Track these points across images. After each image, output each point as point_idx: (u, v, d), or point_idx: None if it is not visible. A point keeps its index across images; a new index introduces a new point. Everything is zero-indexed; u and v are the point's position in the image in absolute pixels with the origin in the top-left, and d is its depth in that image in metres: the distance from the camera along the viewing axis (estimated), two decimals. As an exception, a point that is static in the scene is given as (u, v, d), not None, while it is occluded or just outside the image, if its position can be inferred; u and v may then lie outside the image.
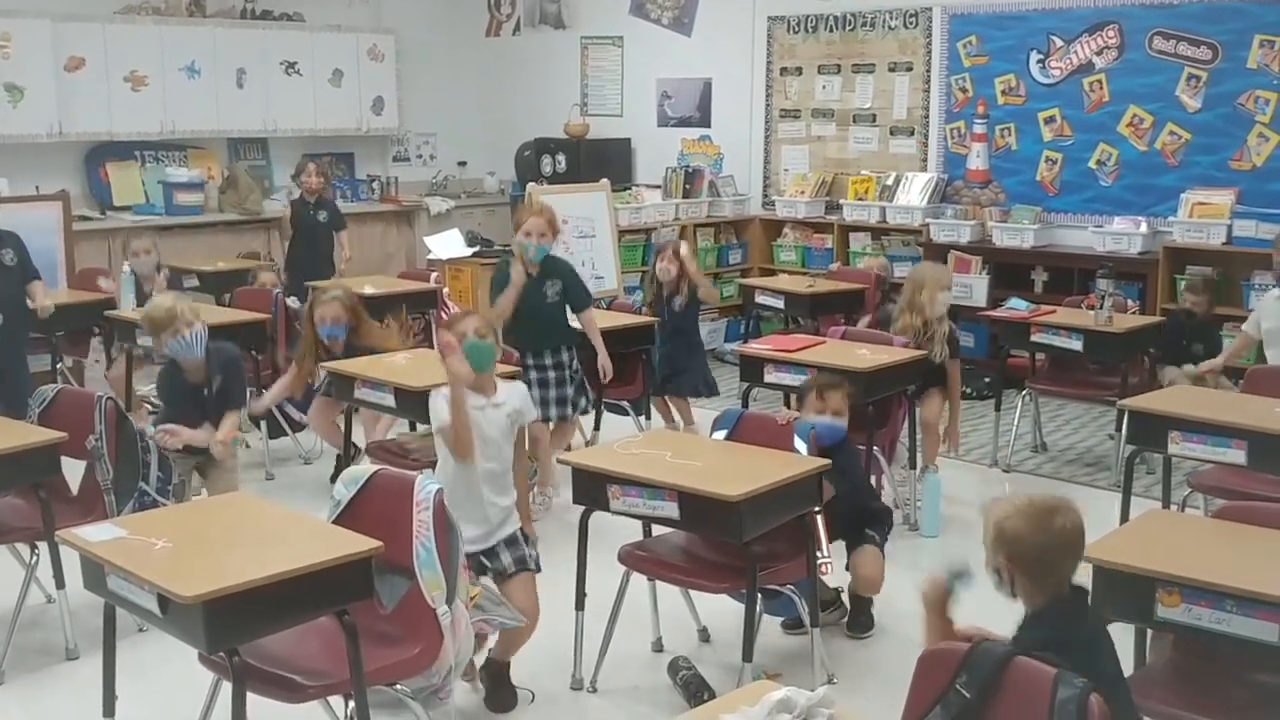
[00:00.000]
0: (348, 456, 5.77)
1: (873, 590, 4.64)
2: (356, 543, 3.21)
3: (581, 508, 4.11)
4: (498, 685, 4.05)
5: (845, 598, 4.72)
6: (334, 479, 6.18)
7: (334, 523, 3.51)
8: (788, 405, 5.74)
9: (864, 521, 4.62)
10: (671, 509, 3.83)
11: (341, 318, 6.02)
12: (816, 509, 4.11)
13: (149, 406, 7.35)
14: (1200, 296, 7.01)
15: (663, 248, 7.10)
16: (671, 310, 6.86)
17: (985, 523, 2.80)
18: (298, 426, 6.82)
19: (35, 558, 4.53)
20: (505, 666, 4.05)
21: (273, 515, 3.62)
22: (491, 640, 3.97)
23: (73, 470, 4.67)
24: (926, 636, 2.88)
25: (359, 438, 5.97)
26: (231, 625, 2.98)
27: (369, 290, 7.57)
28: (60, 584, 4.34)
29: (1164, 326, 7.02)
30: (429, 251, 9.31)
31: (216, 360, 5.10)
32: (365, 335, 6.09)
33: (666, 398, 6.86)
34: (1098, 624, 2.83)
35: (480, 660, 4.03)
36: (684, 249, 6.96)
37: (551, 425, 5.97)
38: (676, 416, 6.90)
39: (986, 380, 7.87)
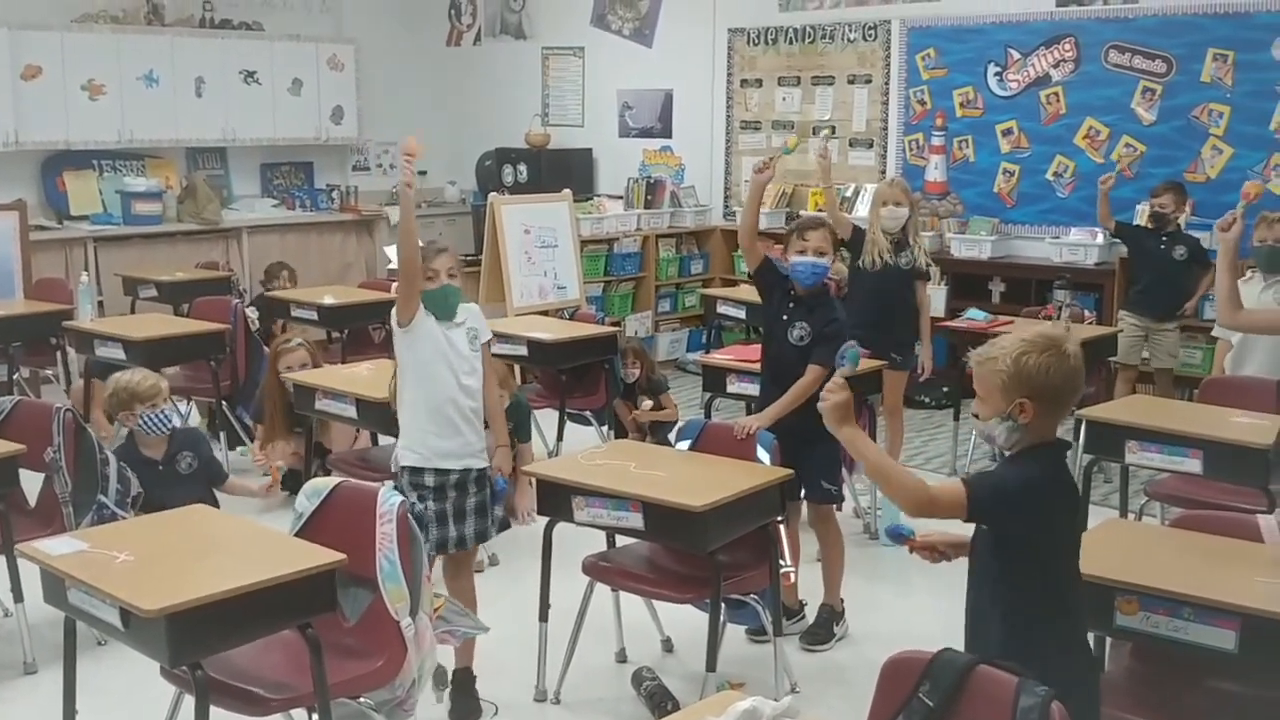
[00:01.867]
0: (309, 469, 5.73)
1: (839, 555, 4.69)
2: (319, 555, 3.20)
3: (545, 519, 4.11)
4: (463, 695, 4.04)
5: (809, 608, 4.74)
6: (287, 487, 6.22)
7: (296, 535, 3.49)
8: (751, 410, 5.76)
9: (820, 425, 4.53)
10: (636, 519, 3.83)
11: (308, 363, 6.02)
12: (779, 519, 4.13)
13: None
14: (1165, 196, 6.99)
15: (624, 351, 6.97)
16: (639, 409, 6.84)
17: (989, 371, 2.72)
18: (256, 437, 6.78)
19: (-8, 571, 4.48)
20: (471, 675, 4.05)
21: (235, 528, 3.60)
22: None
23: (30, 482, 4.62)
24: (859, 455, 2.83)
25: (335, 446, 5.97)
26: (194, 639, 2.96)
27: (329, 300, 7.56)
28: (18, 598, 4.30)
29: (1134, 230, 7.20)
30: (389, 261, 9.28)
31: (182, 441, 5.08)
32: None
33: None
34: (1074, 483, 2.87)
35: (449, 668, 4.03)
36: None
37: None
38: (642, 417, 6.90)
39: (945, 390, 7.93)
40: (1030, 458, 2.74)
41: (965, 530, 2.87)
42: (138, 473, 4.88)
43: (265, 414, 6.12)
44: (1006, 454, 2.80)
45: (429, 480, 4.01)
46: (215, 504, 5.16)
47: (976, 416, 2.82)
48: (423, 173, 11.19)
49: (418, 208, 10.62)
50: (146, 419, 4.94)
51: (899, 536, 3.00)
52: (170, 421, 5.02)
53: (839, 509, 4.82)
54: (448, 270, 4.02)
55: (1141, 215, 7.54)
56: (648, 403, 6.75)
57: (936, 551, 2.96)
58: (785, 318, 4.64)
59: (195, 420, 7.03)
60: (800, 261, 4.58)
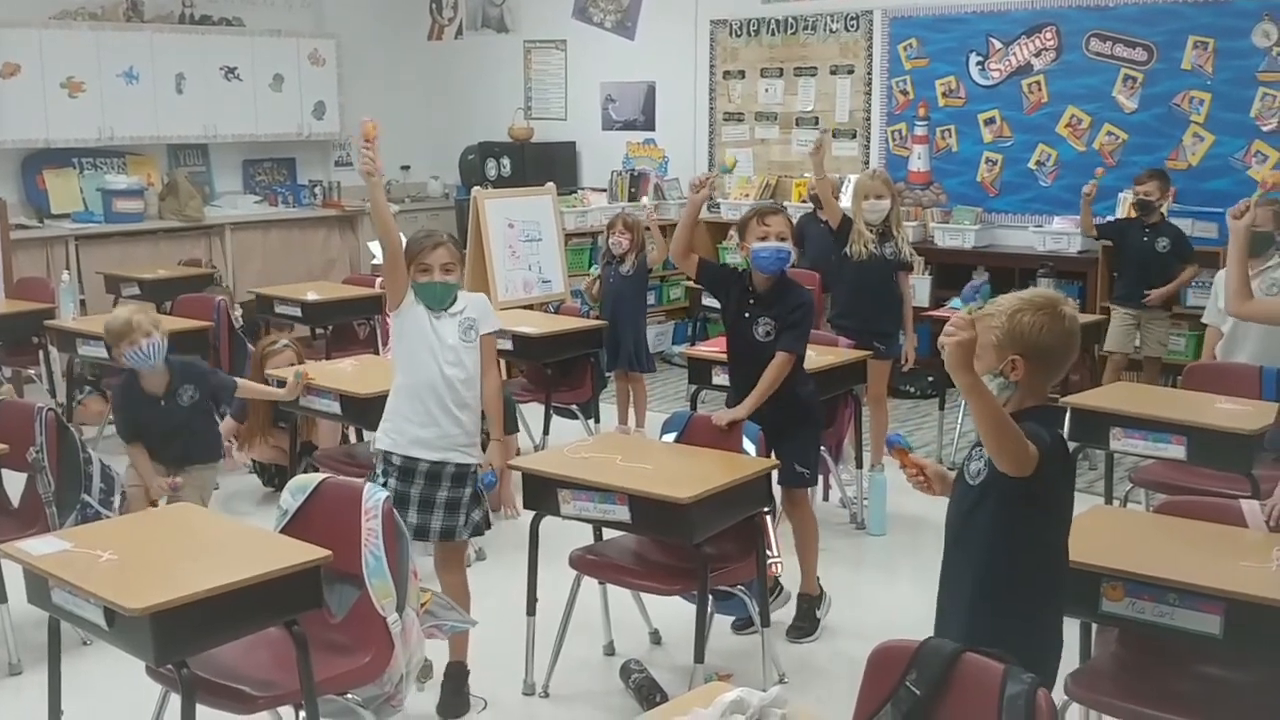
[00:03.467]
0: (294, 464, 5.72)
1: (813, 541, 4.67)
2: (305, 552, 3.19)
3: (532, 513, 4.10)
4: (453, 689, 4.04)
5: (791, 589, 4.73)
6: (272, 484, 6.21)
7: (281, 532, 3.48)
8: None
9: (797, 413, 4.54)
10: (623, 512, 3.83)
11: (294, 364, 6.00)
12: (766, 509, 4.13)
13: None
14: (1149, 184, 6.94)
15: (613, 221, 7.12)
16: (619, 274, 6.88)
17: (983, 329, 2.67)
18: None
19: (-24, 572, 4.46)
20: (464, 670, 4.05)
21: (219, 526, 3.60)
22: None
23: (13, 482, 4.60)
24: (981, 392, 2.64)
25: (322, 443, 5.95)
26: (180, 637, 2.95)
27: (312, 296, 7.54)
28: (2, 598, 4.28)
29: (1117, 224, 7.20)
30: (373, 257, 9.25)
31: (183, 373, 5.03)
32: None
33: (626, 377, 6.96)
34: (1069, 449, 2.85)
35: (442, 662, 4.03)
36: (642, 213, 6.96)
37: None
38: (631, 420, 6.92)
39: (930, 379, 7.94)
40: (1033, 418, 2.71)
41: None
42: (140, 409, 4.89)
43: (248, 413, 6.09)
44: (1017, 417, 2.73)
45: (396, 461, 4.02)
46: (218, 438, 5.26)
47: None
48: (406, 167, 11.19)
49: (400, 202, 10.66)
50: (130, 355, 4.86)
51: (894, 444, 3.01)
52: (150, 356, 4.86)
53: (824, 500, 4.82)
54: (442, 265, 3.98)
55: (1125, 204, 7.57)
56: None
57: (924, 476, 2.99)
58: (747, 315, 4.52)
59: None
60: (763, 247, 4.43)
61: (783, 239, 4.46)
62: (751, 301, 4.53)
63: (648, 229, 7.15)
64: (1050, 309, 2.73)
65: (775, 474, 4.32)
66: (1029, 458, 2.62)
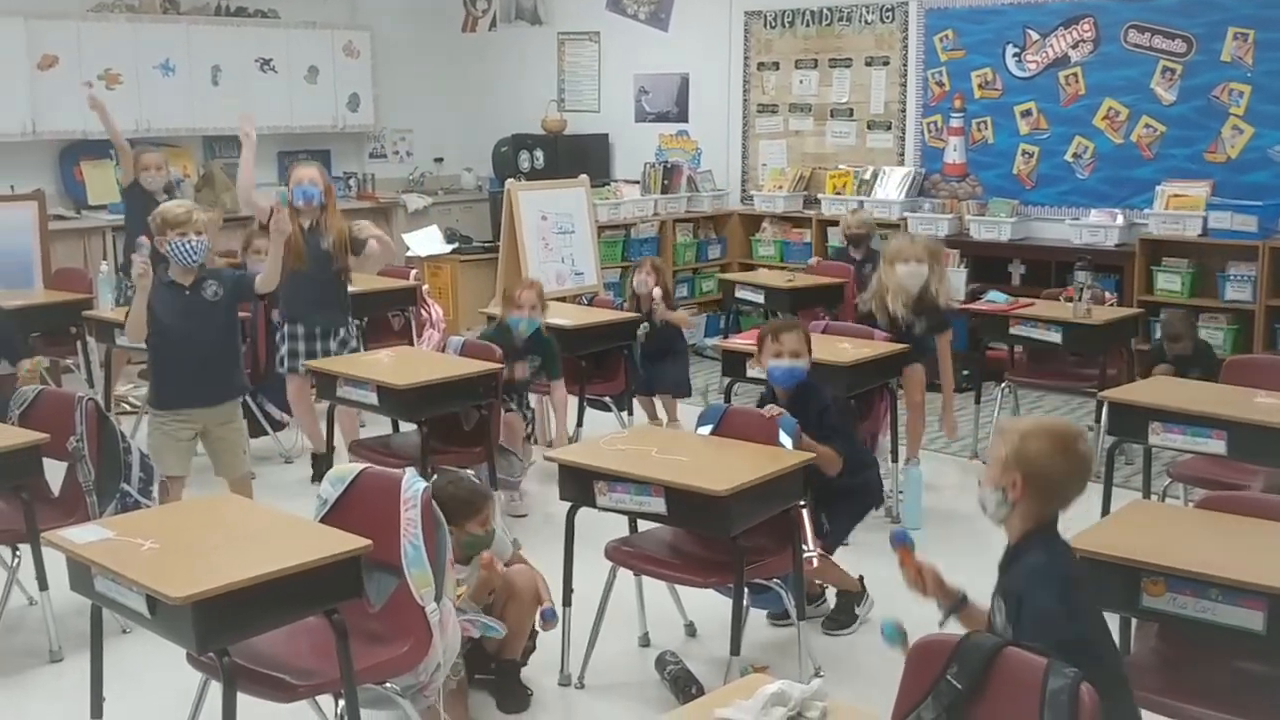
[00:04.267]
0: (330, 454, 5.75)
1: (828, 581, 4.65)
2: (345, 542, 3.21)
3: (568, 504, 4.11)
4: (509, 685, 4.05)
5: (829, 591, 4.74)
6: (315, 479, 6.23)
7: (321, 522, 3.50)
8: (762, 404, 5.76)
9: (839, 493, 4.55)
10: (659, 504, 3.83)
11: (318, 180, 6.03)
12: (802, 503, 4.12)
13: (128, 405, 7.34)
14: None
15: (640, 262, 7.12)
16: (651, 323, 6.85)
17: (999, 443, 2.82)
18: (278, 425, 6.81)
19: (17, 560, 4.51)
20: (516, 666, 4.07)
21: (260, 515, 3.61)
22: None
23: (54, 472, 4.64)
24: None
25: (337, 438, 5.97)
26: (221, 625, 2.97)
27: (348, 288, 7.55)
28: (43, 586, 4.32)
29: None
30: (408, 249, 9.29)
31: (211, 272, 4.96)
32: (332, 212, 6.16)
33: (653, 396, 6.89)
34: (1083, 565, 2.88)
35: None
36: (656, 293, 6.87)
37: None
38: (661, 413, 6.91)
39: (966, 373, 7.89)
40: (1032, 545, 2.77)
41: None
42: (163, 299, 4.82)
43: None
44: (1010, 544, 2.83)
45: None
46: (237, 339, 5.19)
47: (980, 484, 2.89)
48: (439, 159, 11.23)
49: (434, 194, 10.71)
50: (174, 245, 4.81)
51: (899, 542, 3.07)
52: (195, 253, 4.82)
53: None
54: (481, 523, 3.94)
55: (1162, 195, 7.49)
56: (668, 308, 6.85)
57: (920, 580, 3.02)
58: None
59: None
60: (776, 366, 4.56)
61: (796, 355, 4.56)
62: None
63: (657, 304, 6.87)
64: (1063, 440, 2.78)
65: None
66: None
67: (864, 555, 4.97)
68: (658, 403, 6.94)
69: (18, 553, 4.50)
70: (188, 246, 4.80)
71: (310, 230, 6.03)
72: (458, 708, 3.87)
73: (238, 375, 5.16)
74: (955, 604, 3.01)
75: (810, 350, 4.64)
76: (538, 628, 4.06)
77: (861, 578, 4.73)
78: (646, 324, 6.79)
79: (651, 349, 6.82)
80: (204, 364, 4.90)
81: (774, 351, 4.57)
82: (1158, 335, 7.45)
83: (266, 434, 6.75)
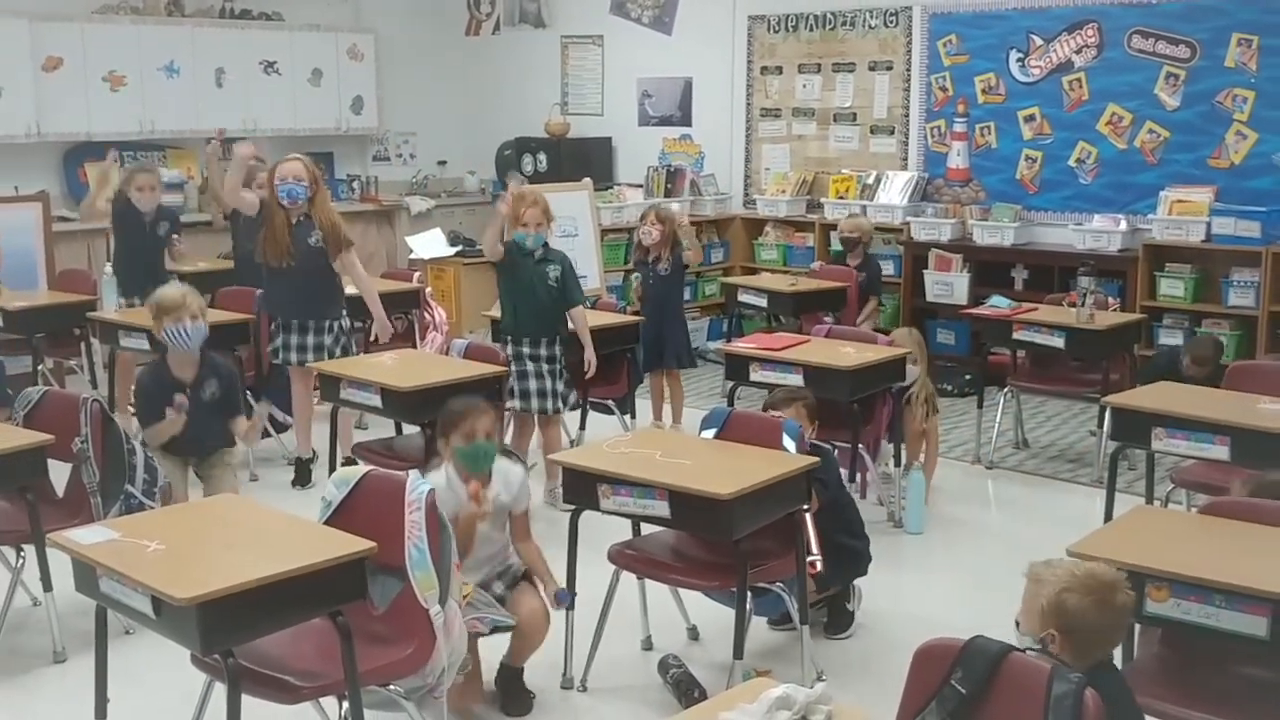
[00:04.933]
0: (334, 457, 5.75)
1: None
2: (350, 544, 3.21)
3: (571, 507, 4.11)
4: (512, 690, 4.06)
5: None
6: (295, 482, 6.25)
7: (325, 524, 3.51)
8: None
9: (840, 547, 4.51)
10: (662, 508, 3.84)
11: (303, 176, 6.03)
12: (805, 507, 4.12)
13: (132, 408, 7.33)
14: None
15: (645, 213, 7.16)
16: (656, 275, 6.89)
17: (1035, 591, 2.73)
18: (281, 428, 6.82)
19: (21, 561, 4.52)
20: (518, 672, 4.07)
21: (265, 517, 3.61)
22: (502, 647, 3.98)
23: (58, 473, 4.65)
24: None
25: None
26: (226, 627, 2.98)
27: (351, 290, 7.55)
28: (48, 587, 4.33)
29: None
30: (410, 251, 9.30)
31: (212, 368, 5.06)
32: (321, 205, 6.12)
33: (664, 375, 6.92)
34: (1129, 693, 2.79)
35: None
36: (675, 208, 6.94)
37: (535, 419, 5.97)
38: (666, 415, 6.92)
39: (968, 378, 7.92)
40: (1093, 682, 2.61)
41: None
42: (162, 394, 4.86)
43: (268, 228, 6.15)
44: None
45: None
46: (231, 441, 5.19)
47: (1017, 624, 2.80)
48: (442, 162, 11.24)
49: (437, 197, 10.72)
50: (171, 331, 4.88)
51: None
52: (188, 338, 4.89)
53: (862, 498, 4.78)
54: (486, 433, 3.96)
55: (1166, 201, 7.50)
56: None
57: None
58: None
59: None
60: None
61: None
62: None
63: (681, 226, 7.14)
64: (1100, 594, 2.69)
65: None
66: None
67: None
68: (666, 407, 6.95)
69: (22, 553, 4.51)
70: (184, 332, 4.90)
71: (296, 225, 6.02)
72: (469, 698, 3.89)
73: (227, 434, 5.18)
74: None
75: (811, 421, 4.70)
76: (550, 608, 4.02)
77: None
78: (639, 276, 6.88)
79: (649, 310, 6.85)
80: (198, 441, 5.03)
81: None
82: (1161, 340, 7.48)
83: (270, 435, 6.75)
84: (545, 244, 5.92)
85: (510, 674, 4.06)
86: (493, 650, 4.06)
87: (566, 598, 4.05)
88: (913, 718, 2.53)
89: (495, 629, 3.85)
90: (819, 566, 4.33)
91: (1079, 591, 2.68)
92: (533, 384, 5.79)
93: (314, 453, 6.26)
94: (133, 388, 5.50)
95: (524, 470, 4.13)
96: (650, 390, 7.06)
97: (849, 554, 4.60)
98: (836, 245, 8.56)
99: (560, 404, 5.92)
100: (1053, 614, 2.68)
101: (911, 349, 5.95)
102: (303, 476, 6.33)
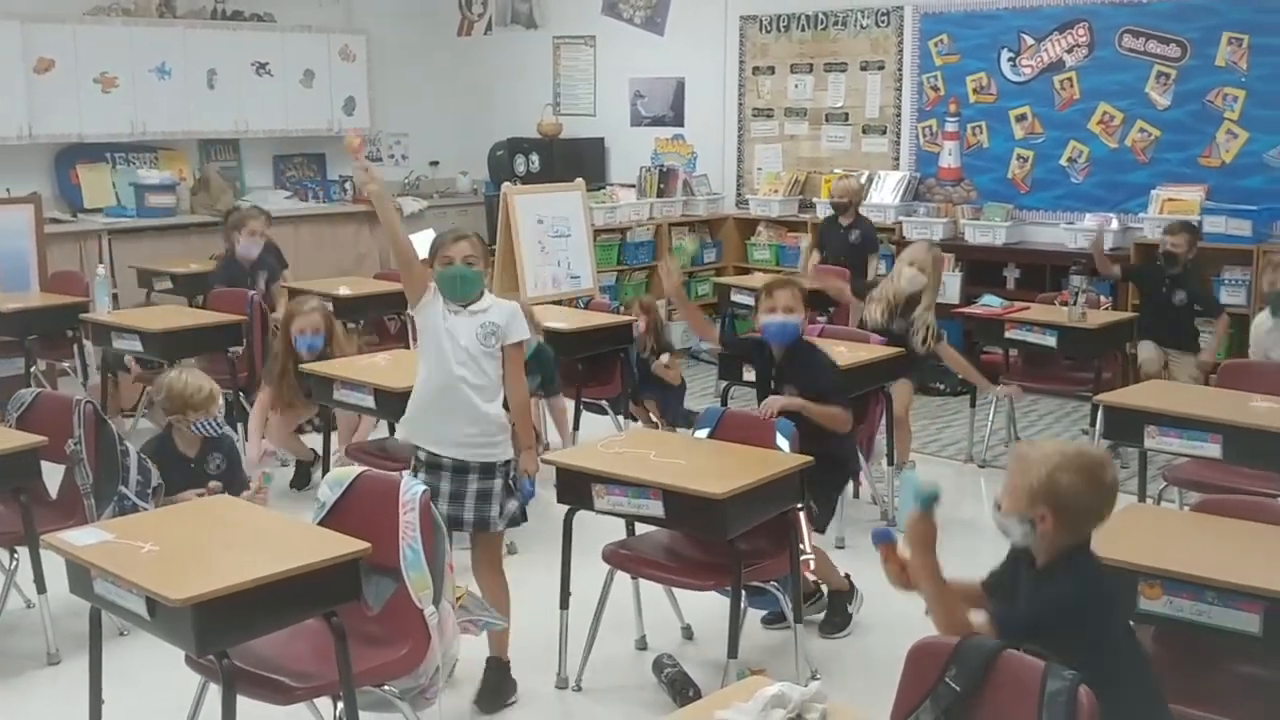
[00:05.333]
0: (327, 457, 5.76)
1: (821, 576, 4.63)
2: (344, 544, 3.21)
3: (565, 507, 4.11)
4: (494, 685, 4.06)
5: (824, 588, 4.74)
6: (294, 484, 6.24)
7: (319, 525, 3.51)
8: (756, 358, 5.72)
9: (822, 466, 4.44)
10: (657, 507, 3.84)
11: (321, 328, 6.03)
12: (799, 505, 4.13)
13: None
14: (1179, 237, 6.80)
15: (629, 303, 7.12)
16: (644, 362, 6.85)
17: (1022, 470, 2.75)
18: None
19: (15, 562, 4.52)
20: (505, 664, 4.08)
21: (259, 518, 3.62)
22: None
23: (51, 474, 4.64)
24: (922, 582, 2.85)
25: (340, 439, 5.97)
26: (221, 628, 2.98)
27: (344, 291, 7.57)
28: (41, 589, 4.32)
29: (1139, 270, 7.13)
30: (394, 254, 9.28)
31: (215, 442, 5.05)
32: (337, 347, 6.11)
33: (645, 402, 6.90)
34: (1115, 580, 2.82)
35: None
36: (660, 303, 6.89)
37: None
38: (655, 416, 6.91)
39: (960, 377, 7.91)
40: (1061, 571, 2.73)
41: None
42: (169, 468, 4.87)
43: (273, 376, 6.08)
44: (1036, 564, 2.78)
45: (422, 456, 4.03)
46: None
47: (998, 507, 2.83)
48: (435, 163, 11.23)
49: (429, 198, 10.71)
50: (200, 425, 4.93)
51: (880, 539, 3.03)
52: (217, 428, 4.98)
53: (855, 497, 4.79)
54: (464, 258, 3.95)
55: (1157, 200, 7.55)
56: (665, 356, 6.77)
57: (904, 576, 2.95)
58: (773, 385, 4.70)
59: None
60: (770, 321, 4.63)
61: (790, 311, 4.62)
62: (775, 371, 4.71)
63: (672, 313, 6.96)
64: (1091, 471, 2.73)
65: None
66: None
67: (857, 557, 4.98)
68: (651, 410, 6.93)
69: (15, 555, 4.51)
70: (211, 424, 4.90)
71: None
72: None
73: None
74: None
75: (805, 308, 4.71)
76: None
77: (848, 575, 4.73)
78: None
79: (649, 377, 6.83)
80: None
81: (767, 308, 4.65)
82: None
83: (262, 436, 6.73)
84: (538, 345, 5.83)
85: (498, 665, 4.07)
86: (477, 648, 4.07)
87: (530, 490, 4.05)
88: (907, 715, 2.54)
89: (487, 629, 3.86)
90: (813, 565, 4.33)
91: (1071, 470, 2.71)
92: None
93: (315, 454, 6.22)
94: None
95: (517, 306, 4.15)
96: (635, 413, 6.99)
97: (836, 464, 4.65)
98: (828, 211, 8.54)
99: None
100: (1045, 493, 2.71)
101: (924, 260, 6.01)
102: (301, 478, 6.32)
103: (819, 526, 4.67)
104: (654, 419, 6.89)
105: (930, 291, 6.07)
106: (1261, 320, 6.10)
